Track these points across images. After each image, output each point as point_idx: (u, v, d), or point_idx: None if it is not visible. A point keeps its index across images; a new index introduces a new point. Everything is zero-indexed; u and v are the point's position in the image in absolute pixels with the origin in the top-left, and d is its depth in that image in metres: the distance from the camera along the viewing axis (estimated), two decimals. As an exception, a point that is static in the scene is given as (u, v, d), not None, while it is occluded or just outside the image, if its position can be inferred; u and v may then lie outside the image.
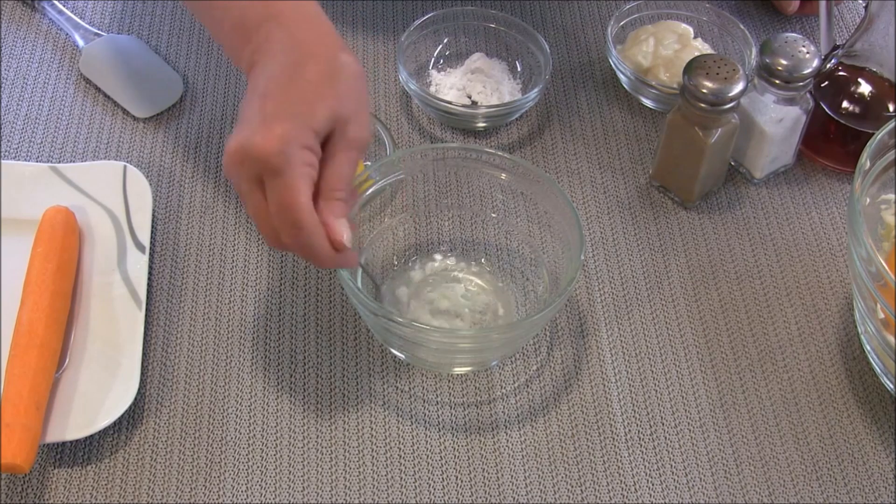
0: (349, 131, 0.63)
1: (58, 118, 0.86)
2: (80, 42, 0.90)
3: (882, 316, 0.67)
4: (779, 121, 0.80)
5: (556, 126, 0.88)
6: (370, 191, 0.73)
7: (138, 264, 0.74)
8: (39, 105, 0.87)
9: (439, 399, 0.72)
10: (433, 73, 0.90)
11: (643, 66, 0.88)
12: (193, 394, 0.71)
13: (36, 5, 0.94)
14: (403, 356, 0.73)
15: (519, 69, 0.90)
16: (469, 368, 0.73)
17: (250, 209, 0.63)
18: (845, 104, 0.84)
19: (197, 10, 0.73)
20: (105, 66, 0.89)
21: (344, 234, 0.62)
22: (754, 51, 0.88)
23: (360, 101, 0.64)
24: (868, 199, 0.72)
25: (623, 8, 0.91)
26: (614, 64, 0.88)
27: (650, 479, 0.68)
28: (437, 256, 0.78)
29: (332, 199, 0.62)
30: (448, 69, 0.91)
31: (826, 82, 0.84)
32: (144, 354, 0.72)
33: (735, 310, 0.77)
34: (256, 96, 0.62)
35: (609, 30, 0.88)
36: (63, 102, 0.87)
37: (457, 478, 0.68)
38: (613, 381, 0.73)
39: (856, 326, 0.75)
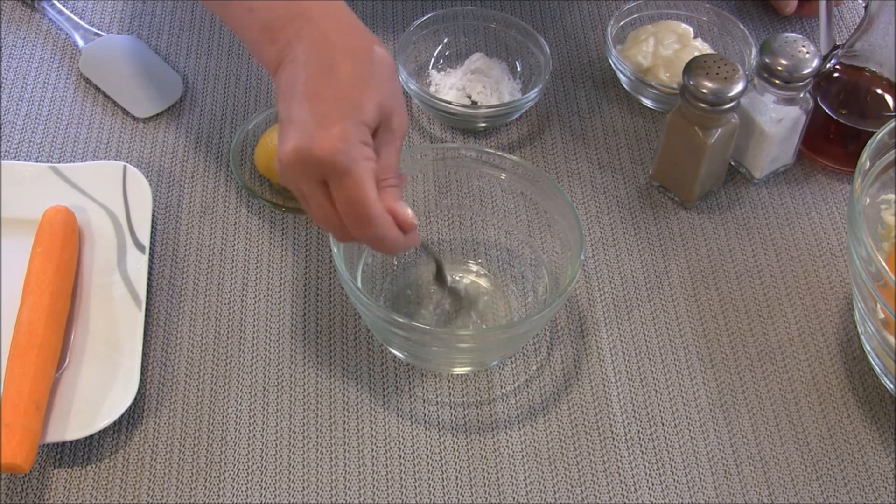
0: (393, 121, 0.64)
1: (58, 118, 0.86)
2: (80, 42, 0.90)
3: (882, 316, 0.67)
4: (779, 121, 0.80)
5: (556, 126, 0.88)
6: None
7: (138, 264, 0.74)
8: (39, 105, 0.87)
9: (439, 399, 0.72)
10: (433, 73, 0.90)
11: (643, 66, 0.88)
12: (193, 394, 0.71)
13: (36, 5, 0.94)
14: (403, 356, 0.73)
15: (519, 69, 0.90)
16: (469, 368, 0.73)
17: (314, 210, 0.63)
18: (845, 104, 0.84)
19: (218, 9, 0.72)
20: (105, 66, 0.89)
21: (411, 214, 0.64)
22: (754, 51, 0.88)
23: (398, 92, 0.66)
24: (868, 199, 0.72)
25: (623, 8, 0.91)
26: (614, 64, 0.88)
27: (650, 479, 0.68)
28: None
29: (387, 187, 0.63)
30: (448, 69, 0.90)
31: (826, 82, 0.84)
32: (144, 354, 0.72)
33: (735, 310, 0.77)
34: (299, 97, 0.62)
35: (609, 30, 0.88)
36: (63, 102, 0.87)
37: (457, 478, 0.68)
38: (613, 381, 0.73)
39: (856, 326, 0.75)
